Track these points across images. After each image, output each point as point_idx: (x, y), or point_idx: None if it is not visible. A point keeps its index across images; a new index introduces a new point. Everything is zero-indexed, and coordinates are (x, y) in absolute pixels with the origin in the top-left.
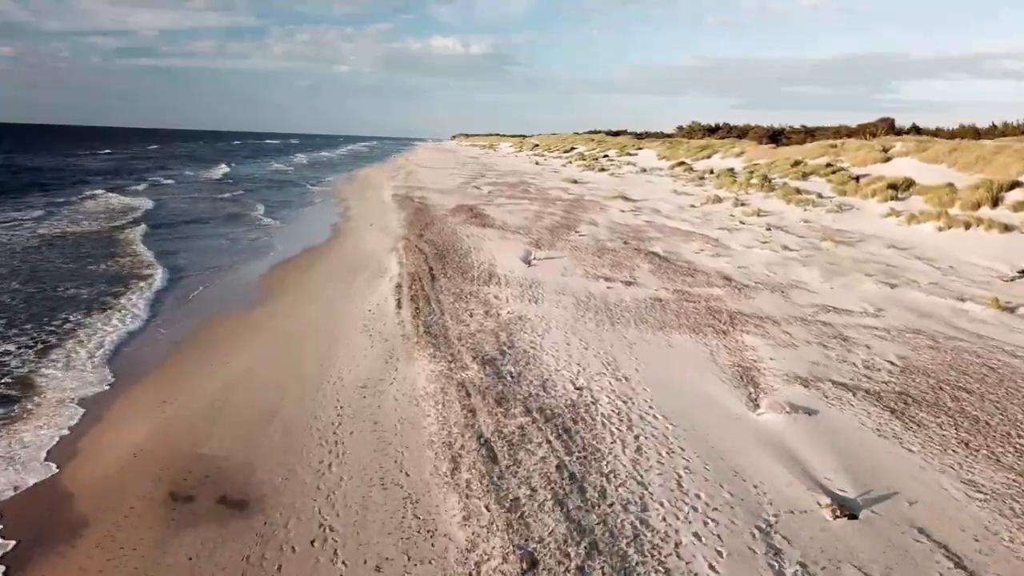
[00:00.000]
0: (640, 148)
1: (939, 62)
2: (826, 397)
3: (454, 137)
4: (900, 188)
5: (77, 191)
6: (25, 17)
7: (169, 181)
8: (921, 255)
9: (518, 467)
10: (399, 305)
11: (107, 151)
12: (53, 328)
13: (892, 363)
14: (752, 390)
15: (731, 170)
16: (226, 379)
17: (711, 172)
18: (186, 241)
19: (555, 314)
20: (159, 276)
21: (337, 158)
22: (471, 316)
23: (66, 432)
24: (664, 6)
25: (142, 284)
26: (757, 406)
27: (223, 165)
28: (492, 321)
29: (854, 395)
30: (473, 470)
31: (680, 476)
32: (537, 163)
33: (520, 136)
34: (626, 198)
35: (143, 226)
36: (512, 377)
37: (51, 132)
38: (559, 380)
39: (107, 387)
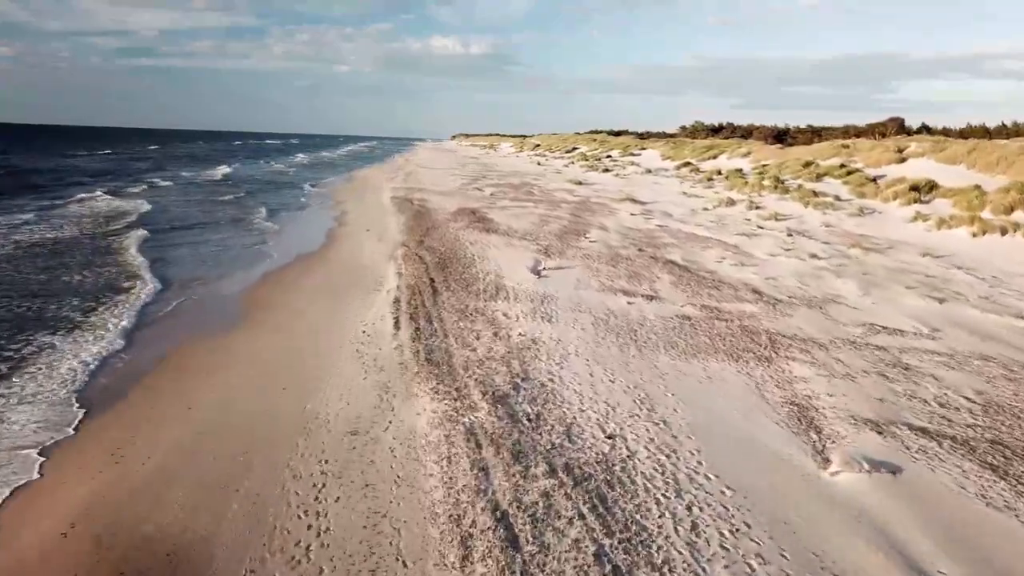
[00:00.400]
0: (643, 148)
1: (939, 62)
2: (907, 448)
3: (454, 137)
4: (923, 190)
5: (71, 193)
6: (25, 17)
7: (167, 183)
8: (960, 264)
9: (546, 555)
10: (397, 324)
11: (106, 151)
12: (10, 354)
13: (970, 400)
14: (816, 438)
15: (739, 171)
16: (192, 424)
17: (719, 173)
18: (177, 249)
19: (573, 336)
20: (140, 290)
21: (337, 159)
22: (478, 339)
23: None
24: (664, 6)
25: (121, 299)
26: (828, 461)
27: (223, 166)
28: (502, 345)
29: (940, 445)
30: (489, 560)
31: (753, 571)
32: (539, 164)
33: (520, 136)
34: (635, 200)
35: (135, 232)
36: (530, 421)
37: (50, 132)
38: (586, 425)
39: (53, 436)
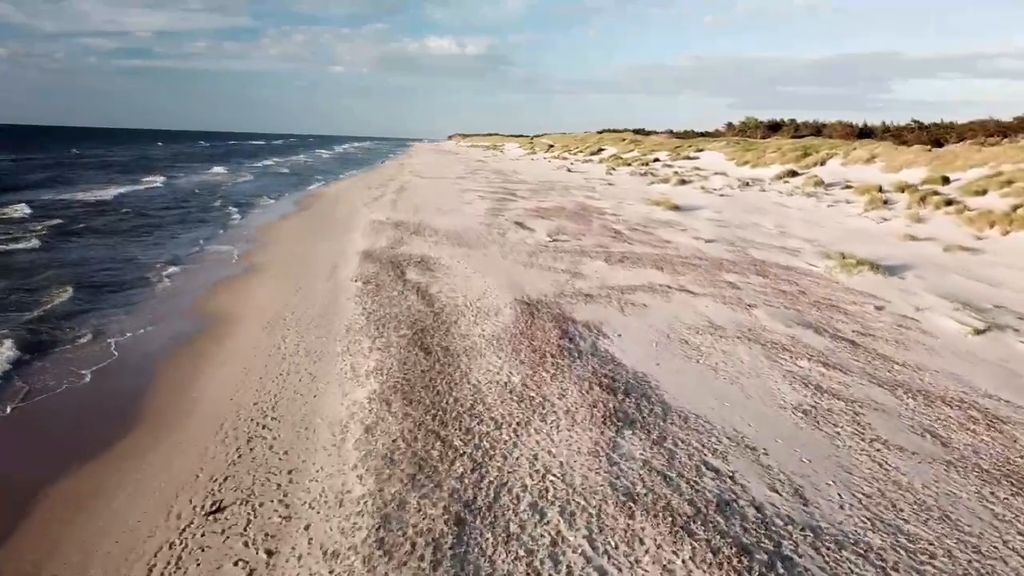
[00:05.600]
0: (700, 150)
1: (935, 61)
2: None
3: (451, 137)
4: None
5: None
6: (21, 19)
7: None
8: None
9: None
10: None
11: (27, 155)
12: None
13: None
14: None
15: (911, 186)
16: None
17: (880, 190)
18: None
19: None
20: None
21: (320, 162)
22: None
23: None
24: (660, 7)
25: None
26: None
27: (157, 176)
28: None
29: None
30: None
31: None
32: (569, 170)
33: (522, 136)
34: (874, 266)
35: None
36: None
37: (36, 133)
38: None
39: None
